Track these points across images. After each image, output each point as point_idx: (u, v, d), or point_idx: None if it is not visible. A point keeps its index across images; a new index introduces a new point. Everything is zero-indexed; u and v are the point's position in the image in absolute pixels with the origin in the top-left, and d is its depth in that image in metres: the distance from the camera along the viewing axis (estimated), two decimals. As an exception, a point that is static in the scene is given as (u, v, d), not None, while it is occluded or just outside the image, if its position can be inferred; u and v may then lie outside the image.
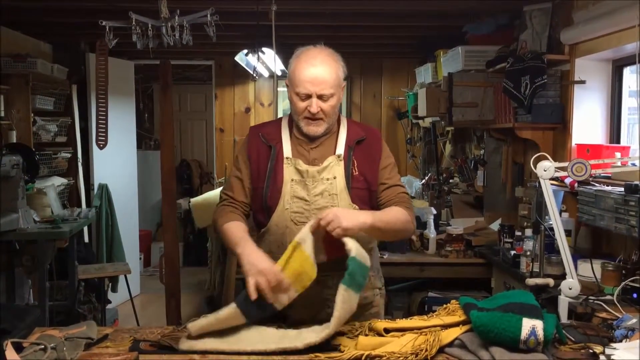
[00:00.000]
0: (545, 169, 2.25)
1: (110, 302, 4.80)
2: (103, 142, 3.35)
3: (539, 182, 2.32)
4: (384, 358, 1.61)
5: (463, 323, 1.76)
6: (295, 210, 1.95)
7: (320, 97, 1.93)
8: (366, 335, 1.76)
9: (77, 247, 4.37)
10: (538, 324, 1.60)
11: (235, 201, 2.05)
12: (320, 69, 1.92)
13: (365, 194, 1.99)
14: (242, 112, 6.65)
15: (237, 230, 1.93)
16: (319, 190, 1.95)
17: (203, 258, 5.15)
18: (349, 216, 1.78)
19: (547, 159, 2.30)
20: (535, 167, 2.29)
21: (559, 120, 3.41)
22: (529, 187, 3.54)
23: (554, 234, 2.35)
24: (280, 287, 1.76)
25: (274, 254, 2.01)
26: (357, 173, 1.98)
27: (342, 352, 1.66)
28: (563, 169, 2.26)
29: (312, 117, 1.95)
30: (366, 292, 2.02)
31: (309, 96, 1.93)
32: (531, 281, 2.49)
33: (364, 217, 1.82)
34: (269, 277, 1.74)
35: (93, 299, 4.35)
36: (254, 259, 1.79)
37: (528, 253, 2.80)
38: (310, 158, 1.99)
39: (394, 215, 1.94)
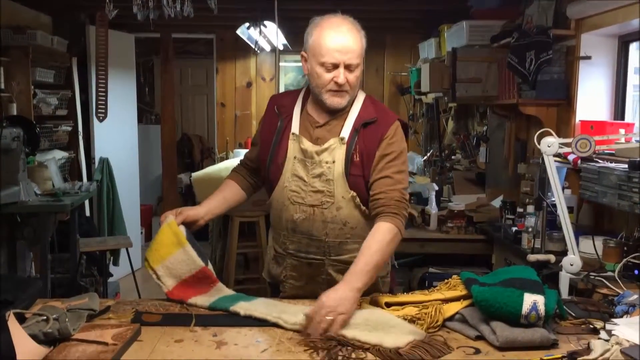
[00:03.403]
0: (549, 144, 2.23)
1: (111, 275, 4.81)
2: (103, 115, 3.33)
3: (543, 159, 2.30)
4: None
5: (464, 298, 1.77)
6: (293, 189, 1.92)
7: (347, 67, 1.83)
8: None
9: (79, 220, 4.38)
10: (539, 299, 1.60)
11: (248, 160, 2.12)
12: (348, 37, 1.83)
13: (362, 182, 1.90)
14: (244, 87, 6.61)
15: (218, 189, 2.07)
16: (317, 172, 1.90)
17: (204, 233, 5.15)
18: (341, 306, 1.62)
19: (551, 134, 2.28)
20: (539, 143, 2.26)
21: (563, 96, 3.38)
22: (532, 163, 3.52)
23: (556, 211, 2.35)
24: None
25: (275, 228, 2.03)
26: (357, 159, 1.88)
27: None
28: (567, 145, 2.24)
29: (338, 88, 1.85)
30: None
31: (335, 66, 1.83)
32: (532, 257, 2.49)
33: (352, 293, 1.66)
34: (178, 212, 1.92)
35: (95, 272, 4.37)
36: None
37: (530, 229, 2.80)
38: (314, 136, 1.92)
39: (379, 249, 1.76)
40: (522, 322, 1.59)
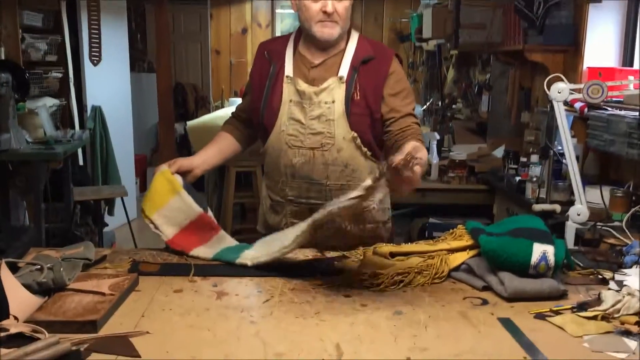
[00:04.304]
0: (560, 91, 2.16)
1: (107, 225, 4.77)
2: (97, 58, 3.21)
3: (551, 105, 2.23)
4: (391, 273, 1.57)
5: (470, 248, 1.72)
6: (291, 132, 1.86)
7: None
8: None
9: (72, 169, 4.30)
10: (549, 249, 1.55)
11: (240, 112, 2.07)
12: None
13: (367, 120, 1.85)
14: (239, 33, 6.43)
15: (212, 141, 2.01)
16: (315, 113, 1.84)
17: (200, 183, 5.10)
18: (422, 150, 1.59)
19: (561, 80, 2.19)
20: (549, 89, 2.18)
21: (571, 42, 3.28)
22: (536, 112, 3.45)
23: (562, 160, 2.29)
24: None
25: (271, 175, 1.97)
26: (358, 97, 1.84)
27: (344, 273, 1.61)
28: (578, 90, 2.17)
29: (327, 18, 1.81)
30: (370, 224, 1.96)
31: None
32: (538, 207, 2.44)
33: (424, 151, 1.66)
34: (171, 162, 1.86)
35: (89, 221, 4.31)
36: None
37: (534, 179, 2.74)
38: (310, 77, 1.87)
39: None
40: (530, 273, 1.54)
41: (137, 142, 6.36)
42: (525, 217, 1.86)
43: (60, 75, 4.75)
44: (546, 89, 2.18)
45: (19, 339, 1.18)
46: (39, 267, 1.48)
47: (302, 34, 1.92)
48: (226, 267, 1.68)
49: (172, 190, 1.80)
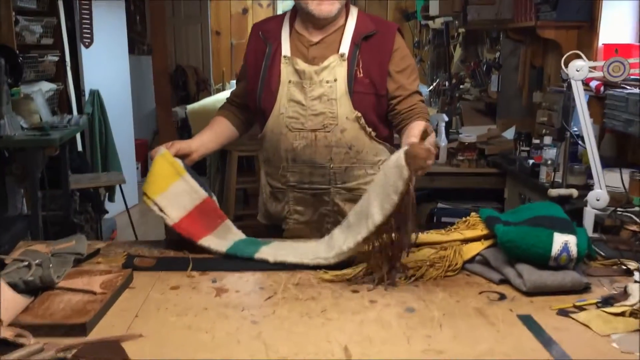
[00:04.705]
0: (578, 69, 2.03)
1: (107, 212, 4.68)
2: (89, 40, 3.09)
3: (568, 84, 2.11)
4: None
5: (485, 238, 1.62)
6: (291, 115, 1.78)
7: None
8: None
9: (70, 155, 4.21)
10: (571, 240, 1.44)
11: (235, 97, 1.99)
12: None
13: (371, 99, 1.79)
14: (239, 14, 6.30)
15: (208, 126, 1.93)
16: (316, 93, 1.76)
17: (201, 168, 5.00)
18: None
19: (580, 57, 2.07)
20: (566, 67, 2.06)
21: (586, 17, 3.16)
22: (549, 91, 3.32)
23: (578, 142, 2.17)
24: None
25: (271, 161, 1.88)
26: (361, 75, 1.77)
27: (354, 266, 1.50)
28: (597, 68, 2.04)
29: None
30: None
31: None
32: (554, 192, 2.32)
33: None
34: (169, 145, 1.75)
35: (89, 209, 4.22)
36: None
37: (549, 162, 2.62)
38: (309, 56, 1.79)
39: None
40: (551, 264, 1.44)
41: (138, 126, 6.26)
42: (543, 204, 1.75)
43: (56, 58, 4.63)
44: (563, 67, 2.06)
45: (2, 345, 1.10)
46: (27, 263, 1.40)
47: (298, 12, 1.84)
48: (226, 261, 1.59)
49: (175, 173, 1.70)
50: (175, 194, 1.68)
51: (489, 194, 3.47)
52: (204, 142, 1.86)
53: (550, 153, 2.67)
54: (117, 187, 4.53)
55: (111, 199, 4.83)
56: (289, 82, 1.79)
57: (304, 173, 1.83)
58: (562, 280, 1.40)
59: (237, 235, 1.73)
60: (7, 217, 3.24)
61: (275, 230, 1.95)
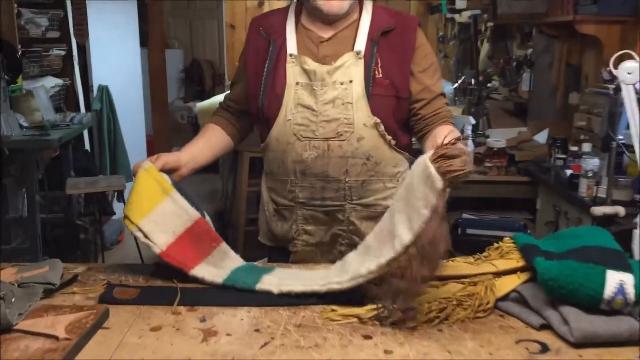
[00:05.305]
0: (630, 71, 1.77)
1: (114, 213, 4.51)
2: (82, 34, 2.89)
3: (615, 88, 1.85)
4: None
5: (521, 270, 1.37)
6: (299, 121, 1.57)
7: None
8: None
9: (76, 155, 4.04)
10: (627, 279, 1.19)
11: (230, 102, 1.78)
12: None
13: (391, 102, 1.60)
14: (255, 6, 6.08)
15: (200, 134, 1.74)
16: (329, 97, 1.57)
17: (214, 164, 4.84)
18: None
19: (632, 58, 1.80)
20: (616, 68, 1.80)
21: (632, 11, 2.89)
22: (587, 93, 3.05)
23: (624, 151, 1.91)
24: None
25: (276, 175, 1.66)
26: (380, 75, 1.58)
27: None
28: (652, 71, 1.78)
29: None
30: None
31: None
32: (598, 210, 2.05)
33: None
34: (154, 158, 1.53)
35: (95, 210, 4.04)
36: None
37: (590, 174, 2.35)
38: (319, 55, 1.60)
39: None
40: (602, 308, 1.19)
41: (150, 123, 6.10)
42: (589, 230, 1.51)
43: (63, 52, 4.46)
44: (612, 69, 1.79)
45: None
46: (-13, 297, 1.20)
47: (304, 5, 1.66)
48: (220, 293, 1.36)
49: (161, 192, 1.48)
50: (162, 216, 1.46)
51: (519, 204, 3.22)
52: (194, 155, 1.65)
53: (591, 163, 2.40)
54: (126, 187, 4.35)
55: (120, 199, 4.65)
56: (297, 84, 1.59)
57: (315, 188, 1.63)
58: (617, 329, 1.17)
59: (235, 261, 1.51)
60: (6, 220, 3.07)
61: (280, 253, 1.74)
